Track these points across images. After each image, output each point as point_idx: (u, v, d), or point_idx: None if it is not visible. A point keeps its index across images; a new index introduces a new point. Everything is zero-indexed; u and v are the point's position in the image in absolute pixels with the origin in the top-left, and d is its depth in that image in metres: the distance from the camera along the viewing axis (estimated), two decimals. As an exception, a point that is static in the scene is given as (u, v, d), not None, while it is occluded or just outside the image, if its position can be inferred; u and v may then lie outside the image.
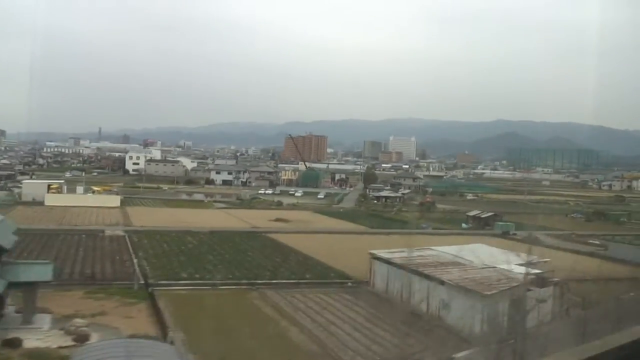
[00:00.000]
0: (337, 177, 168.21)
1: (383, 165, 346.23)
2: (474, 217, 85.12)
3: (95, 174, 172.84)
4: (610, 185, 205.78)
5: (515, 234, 77.65)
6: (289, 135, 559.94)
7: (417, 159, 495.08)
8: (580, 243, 73.96)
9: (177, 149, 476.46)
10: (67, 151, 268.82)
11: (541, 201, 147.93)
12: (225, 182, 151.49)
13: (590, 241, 77.12)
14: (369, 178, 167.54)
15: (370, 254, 43.45)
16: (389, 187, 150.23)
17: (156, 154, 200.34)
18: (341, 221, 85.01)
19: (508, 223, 79.42)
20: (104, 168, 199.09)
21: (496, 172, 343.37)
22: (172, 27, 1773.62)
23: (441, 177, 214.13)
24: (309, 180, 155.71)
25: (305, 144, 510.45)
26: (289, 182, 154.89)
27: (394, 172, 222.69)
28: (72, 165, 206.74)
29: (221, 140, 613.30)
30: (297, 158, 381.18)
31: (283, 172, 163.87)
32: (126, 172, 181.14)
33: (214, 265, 46.00)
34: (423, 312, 35.13)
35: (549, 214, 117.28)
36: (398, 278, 39.25)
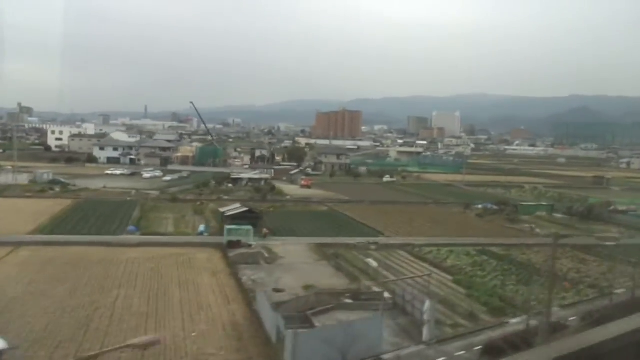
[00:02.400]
0: (257, 154, 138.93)
1: (399, 141, 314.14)
2: (225, 215, 55.05)
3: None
4: (628, 164, 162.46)
5: (250, 245, 48.23)
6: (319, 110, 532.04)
7: (462, 134, 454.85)
8: (332, 268, 44.48)
9: (219, 126, 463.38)
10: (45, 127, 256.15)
11: (492, 184, 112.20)
12: (111, 160, 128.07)
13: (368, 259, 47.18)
14: (293, 155, 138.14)
15: None
16: (309, 165, 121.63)
17: (89, 128, 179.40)
18: (42, 215, 59.20)
19: (243, 227, 49.56)
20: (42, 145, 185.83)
21: (529, 149, 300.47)
22: (245, 10, 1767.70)
23: (419, 153, 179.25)
24: (207, 157, 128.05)
25: (338, 120, 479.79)
26: (185, 160, 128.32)
27: (408, 149, 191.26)
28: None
29: (286, 119, 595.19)
30: (326, 135, 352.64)
31: (180, 149, 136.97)
32: (48, 148, 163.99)
33: None
34: None
35: (452, 203, 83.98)
36: None
